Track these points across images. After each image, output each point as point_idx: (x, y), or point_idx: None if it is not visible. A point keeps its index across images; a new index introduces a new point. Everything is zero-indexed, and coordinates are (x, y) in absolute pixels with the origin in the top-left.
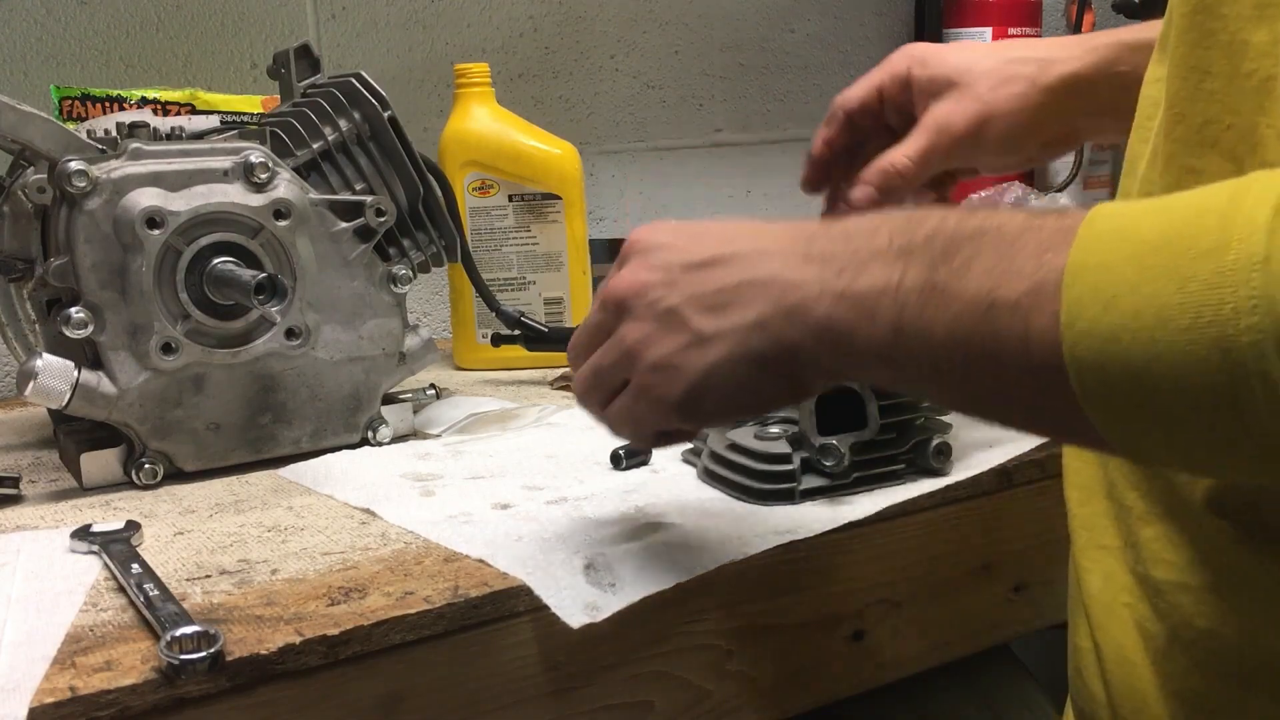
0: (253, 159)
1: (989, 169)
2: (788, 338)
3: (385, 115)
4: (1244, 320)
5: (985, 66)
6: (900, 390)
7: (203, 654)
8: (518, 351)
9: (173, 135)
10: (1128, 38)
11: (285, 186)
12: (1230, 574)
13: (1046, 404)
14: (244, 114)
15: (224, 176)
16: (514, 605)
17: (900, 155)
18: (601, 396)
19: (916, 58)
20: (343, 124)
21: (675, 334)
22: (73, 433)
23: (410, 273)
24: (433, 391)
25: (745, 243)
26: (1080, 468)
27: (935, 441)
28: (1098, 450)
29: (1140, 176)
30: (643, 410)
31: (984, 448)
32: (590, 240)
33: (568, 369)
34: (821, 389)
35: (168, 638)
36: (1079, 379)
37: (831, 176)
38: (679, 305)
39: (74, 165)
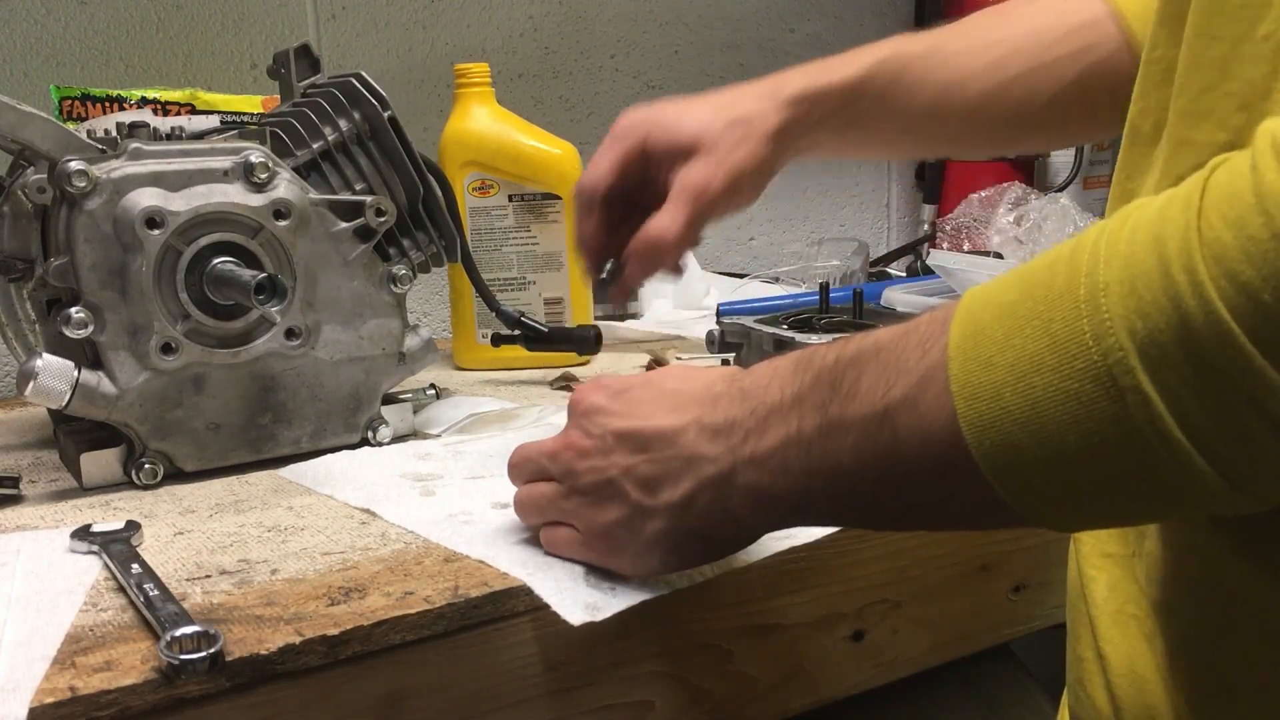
0: (253, 159)
1: (737, 211)
2: (718, 508)
3: (385, 115)
4: (1104, 342)
5: (718, 129)
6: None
7: (203, 654)
8: (518, 351)
9: (173, 135)
10: (811, 87)
11: (285, 186)
12: (1237, 595)
13: (958, 490)
14: (244, 114)
15: (224, 176)
16: (514, 605)
17: (666, 226)
18: (540, 521)
19: (648, 125)
20: (343, 124)
21: (617, 503)
22: (73, 433)
23: (410, 273)
24: (433, 391)
25: (664, 415)
26: None
27: None
28: (1019, 528)
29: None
30: (590, 555)
31: None
32: None
33: (568, 369)
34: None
35: (168, 638)
36: (978, 446)
37: (610, 256)
38: (617, 478)
39: (74, 165)
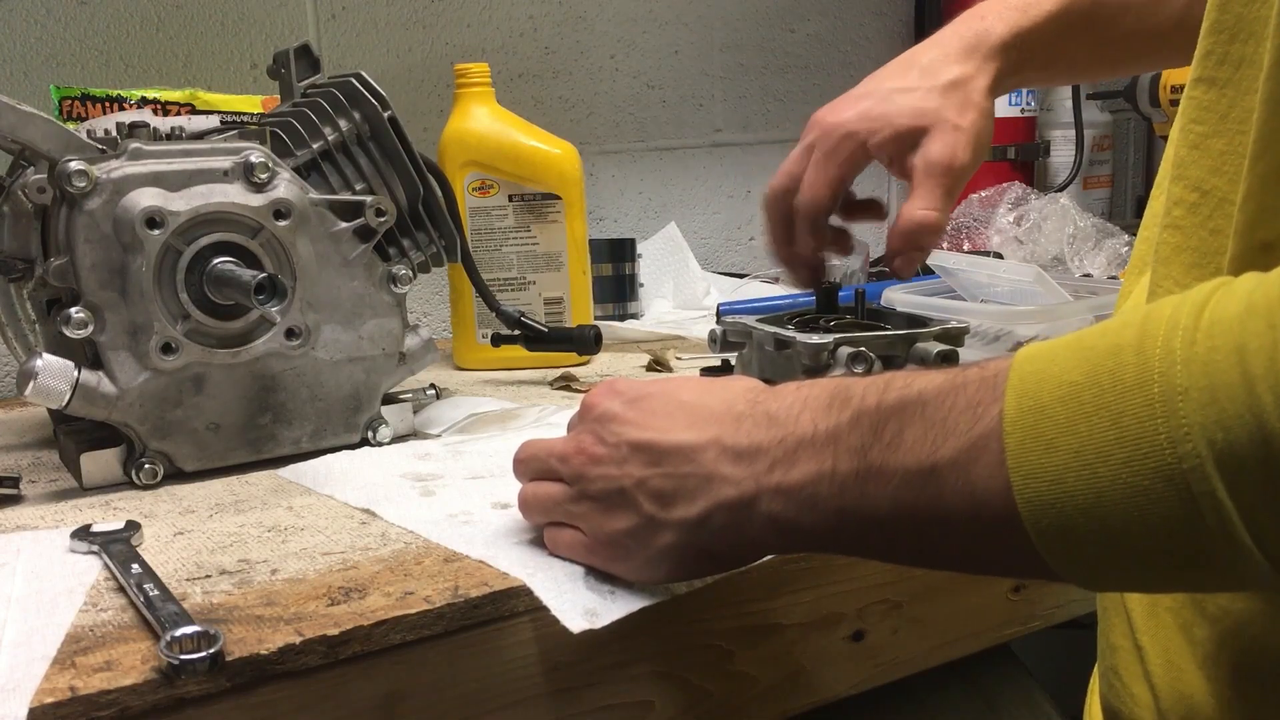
0: (253, 159)
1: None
2: (734, 531)
3: (385, 115)
4: (1180, 448)
5: (936, 102)
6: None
7: (203, 654)
8: (518, 351)
9: (173, 135)
10: (1017, 31)
11: (285, 186)
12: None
13: (1001, 552)
14: (244, 114)
15: (224, 176)
16: (514, 605)
17: (923, 209)
18: (544, 520)
19: (864, 131)
20: (343, 124)
21: (628, 513)
22: (73, 433)
23: (410, 273)
24: (433, 391)
25: (682, 429)
26: None
27: None
28: (1051, 581)
29: (1198, 197)
30: (594, 560)
31: None
32: (590, 240)
33: (568, 369)
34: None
35: (168, 638)
36: (1034, 523)
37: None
38: (630, 489)
39: (74, 165)
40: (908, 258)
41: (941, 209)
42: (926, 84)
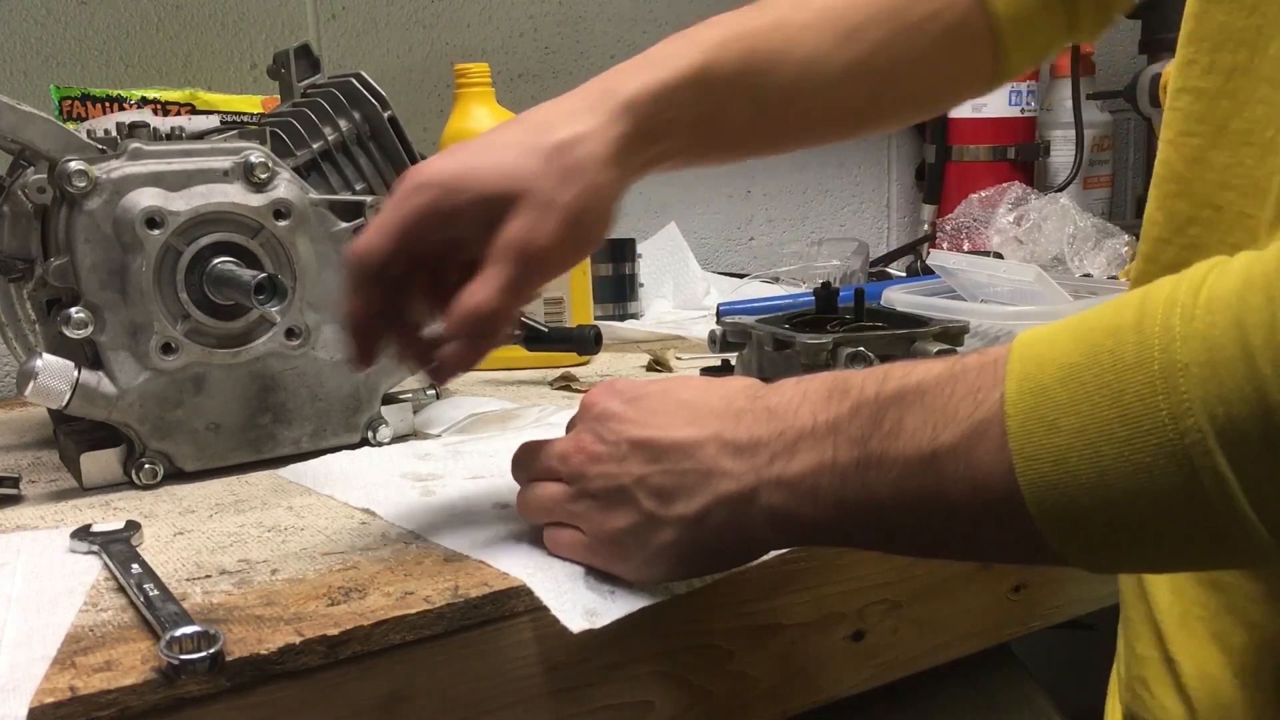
0: (253, 159)
1: (582, 259)
2: (734, 526)
3: (385, 115)
4: (1182, 423)
5: (534, 168)
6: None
7: (203, 654)
8: (518, 351)
9: (173, 135)
10: (652, 83)
11: (285, 186)
12: None
13: (1004, 537)
14: (244, 114)
15: (224, 176)
16: (514, 605)
17: (480, 294)
18: (544, 520)
19: (439, 183)
20: (343, 124)
21: (628, 511)
22: (73, 433)
23: None
24: (433, 391)
25: (681, 426)
26: None
27: None
28: (1053, 565)
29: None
30: (594, 560)
31: None
32: None
33: (568, 369)
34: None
35: (168, 638)
36: (1037, 505)
37: (387, 335)
38: (630, 486)
39: (74, 165)
40: (460, 347)
41: (499, 296)
42: (531, 141)
